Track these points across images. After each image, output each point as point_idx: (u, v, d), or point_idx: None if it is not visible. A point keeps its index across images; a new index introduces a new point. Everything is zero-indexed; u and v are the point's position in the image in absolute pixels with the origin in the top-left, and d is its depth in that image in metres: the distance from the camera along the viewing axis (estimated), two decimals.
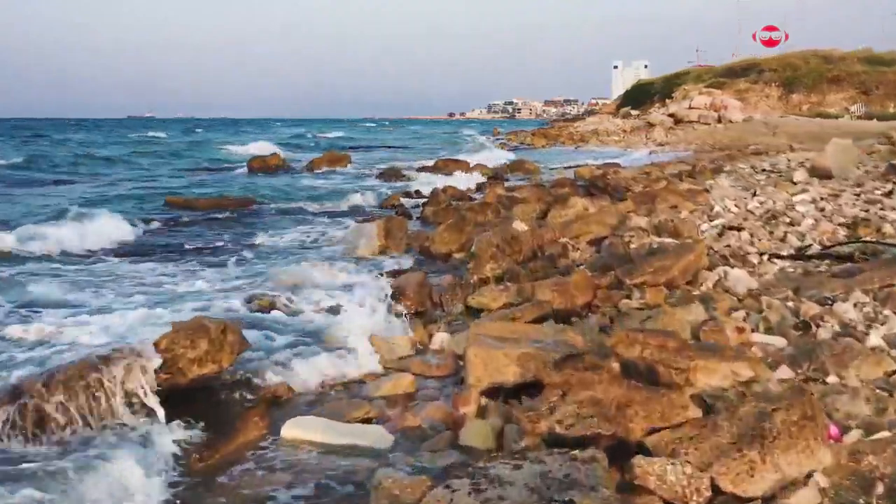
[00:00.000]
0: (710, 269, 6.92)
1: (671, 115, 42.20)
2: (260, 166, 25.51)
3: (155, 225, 12.14)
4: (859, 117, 35.81)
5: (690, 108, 41.63)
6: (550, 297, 6.17)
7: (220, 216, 13.18)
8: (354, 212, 13.76)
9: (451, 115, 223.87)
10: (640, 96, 59.39)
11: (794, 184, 13.51)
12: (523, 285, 6.66)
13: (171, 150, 35.11)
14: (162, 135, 55.18)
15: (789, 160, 19.92)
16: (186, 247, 10.23)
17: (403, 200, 15.39)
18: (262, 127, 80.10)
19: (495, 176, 21.44)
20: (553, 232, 9.31)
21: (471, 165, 24.91)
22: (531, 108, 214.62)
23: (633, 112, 55.43)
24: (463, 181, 18.81)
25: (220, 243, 10.48)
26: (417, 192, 16.64)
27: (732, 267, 6.85)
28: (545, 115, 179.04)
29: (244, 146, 36.64)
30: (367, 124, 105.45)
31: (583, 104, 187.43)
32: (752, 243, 7.99)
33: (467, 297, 6.80)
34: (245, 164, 26.12)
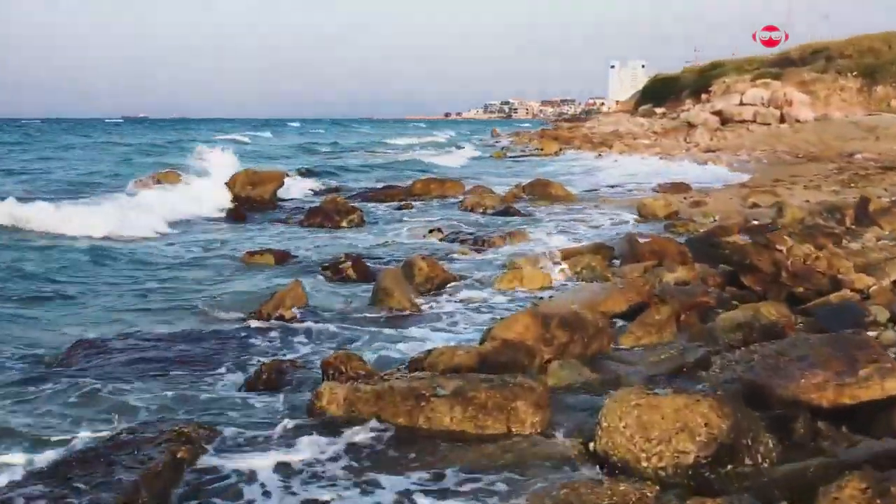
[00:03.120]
0: None
1: (716, 114, 33.69)
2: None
3: None
4: None
5: (741, 104, 33.15)
6: None
7: None
8: None
9: (447, 115, 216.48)
10: (662, 92, 50.91)
11: None
12: None
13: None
14: (265, 134, 50.50)
15: None
16: None
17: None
18: (281, 128, 70.65)
19: (503, 212, 12.94)
20: None
21: (466, 189, 16.45)
22: (528, 108, 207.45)
23: (658, 110, 47.03)
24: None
25: None
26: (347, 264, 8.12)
27: None
28: (542, 116, 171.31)
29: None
30: (419, 125, 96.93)
31: (580, 104, 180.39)
32: None
33: None
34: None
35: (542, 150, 34.91)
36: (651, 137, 35.20)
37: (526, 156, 32.89)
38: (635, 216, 12.57)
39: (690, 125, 33.99)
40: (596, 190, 17.70)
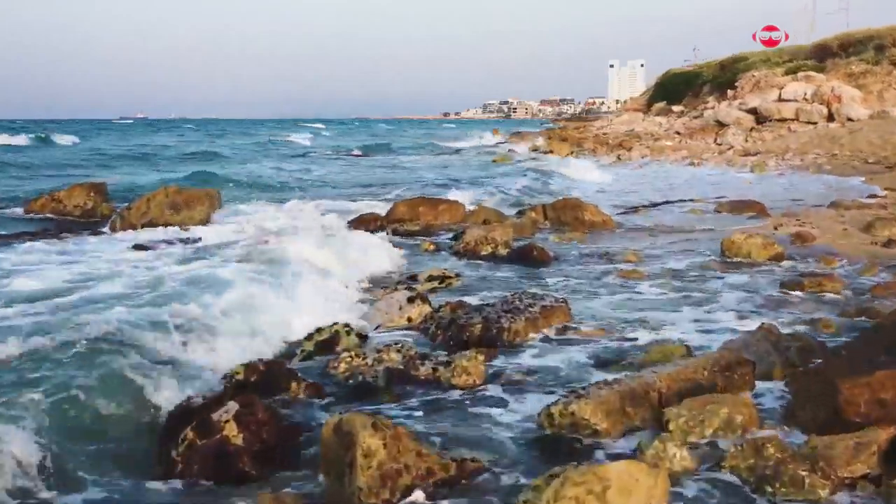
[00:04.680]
0: None
1: (750, 111, 29.52)
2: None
3: None
4: None
5: (780, 100, 29.01)
6: None
7: None
8: None
9: (445, 114, 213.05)
10: (678, 88, 46.74)
11: None
12: None
13: None
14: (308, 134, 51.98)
15: None
16: None
17: None
18: (295, 128, 66.19)
19: (523, 255, 8.74)
20: None
21: (467, 207, 12.34)
22: (527, 107, 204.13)
23: (675, 108, 42.90)
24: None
25: None
26: None
27: None
28: (541, 115, 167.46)
29: None
30: (448, 125, 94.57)
31: (579, 103, 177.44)
32: None
33: None
34: None
35: (551, 153, 30.76)
36: (675, 138, 31.11)
37: (535, 160, 28.69)
38: (721, 258, 8.44)
39: (720, 124, 29.84)
40: (635, 209, 13.59)
